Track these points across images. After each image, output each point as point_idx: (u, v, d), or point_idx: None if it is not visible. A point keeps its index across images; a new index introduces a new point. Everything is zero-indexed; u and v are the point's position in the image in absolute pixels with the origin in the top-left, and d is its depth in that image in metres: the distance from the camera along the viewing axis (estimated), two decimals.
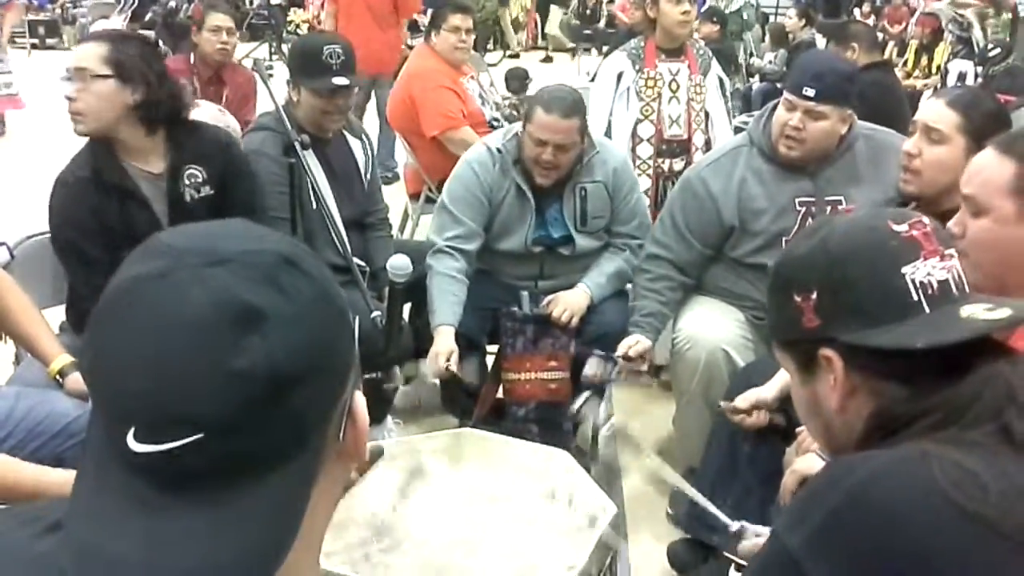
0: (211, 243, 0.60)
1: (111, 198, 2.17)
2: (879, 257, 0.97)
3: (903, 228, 0.98)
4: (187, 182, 2.26)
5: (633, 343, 2.53)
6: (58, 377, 2.01)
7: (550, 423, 2.65)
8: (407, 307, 2.78)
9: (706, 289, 2.64)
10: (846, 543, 0.86)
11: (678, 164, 3.40)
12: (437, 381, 2.86)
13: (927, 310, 0.95)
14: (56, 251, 2.22)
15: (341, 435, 0.65)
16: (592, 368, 2.59)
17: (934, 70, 8.21)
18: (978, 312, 0.95)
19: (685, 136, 3.40)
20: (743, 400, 2.09)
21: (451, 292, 2.56)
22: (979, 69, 6.84)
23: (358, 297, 2.35)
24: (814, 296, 0.99)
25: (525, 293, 2.71)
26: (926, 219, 1.00)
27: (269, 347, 0.57)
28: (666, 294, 2.60)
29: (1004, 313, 0.94)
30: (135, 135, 2.18)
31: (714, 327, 2.48)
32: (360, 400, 0.67)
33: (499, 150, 2.67)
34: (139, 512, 0.57)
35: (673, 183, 3.29)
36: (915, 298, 0.95)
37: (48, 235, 2.28)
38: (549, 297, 2.67)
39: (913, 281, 0.96)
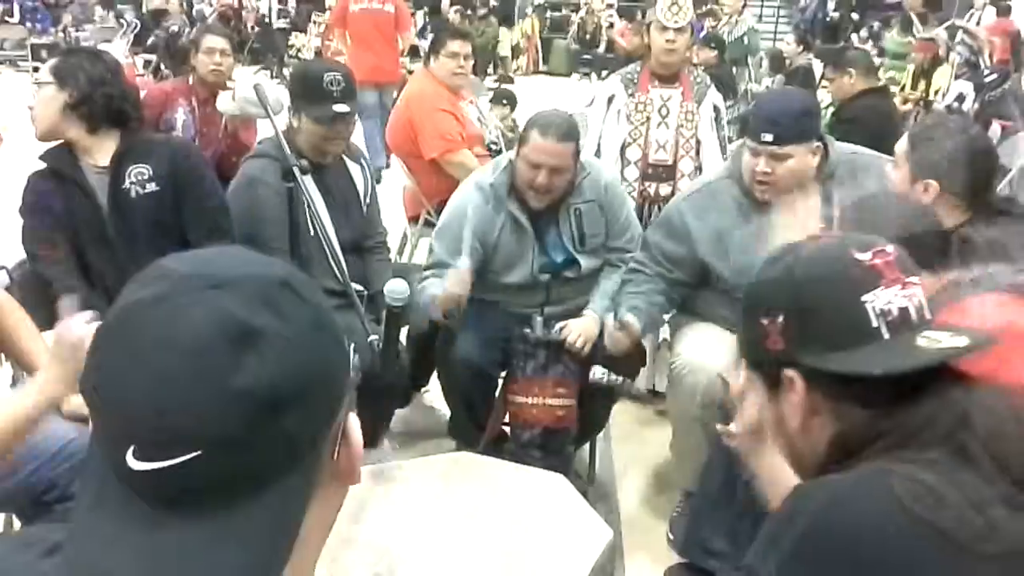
0: (210, 268, 0.63)
1: (61, 186, 2.37)
2: (841, 285, 1.01)
3: (866, 257, 1.02)
4: (132, 179, 2.38)
5: (620, 318, 2.55)
6: None
7: (553, 449, 2.64)
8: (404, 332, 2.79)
9: (702, 315, 2.66)
10: (817, 567, 0.89)
11: (664, 189, 3.42)
12: (446, 410, 2.86)
13: (886, 336, 0.99)
14: (23, 241, 2.39)
15: (335, 455, 0.66)
16: (596, 374, 2.58)
17: (932, 94, 8.26)
18: (934, 341, 0.98)
19: (671, 161, 3.42)
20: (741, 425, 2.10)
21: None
22: (975, 94, 6.89)
23: (355, 321, 2.35)
24: (780, 320, 1.02)
25: (539, 318, 2.71)
26: (889, 247, 1.04)
27: (266, 367, 0.58)
28: (651, 297, 2.64)
29: (960, 342, 0.98)
30: (79, 134, 2.35)
31: (712, 353, 2.49)
32: (354, 422, 0.68)
33: (491, 185, 2.68)
34: (136, 530, 0.58)
35: (659, 207, 3.33)
36: (875, 325, 0.99)
37: None
38: (561, 324, 2.67)
39: (873, 308, 1.00)
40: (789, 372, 1.02)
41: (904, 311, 1.00)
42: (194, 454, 0.57)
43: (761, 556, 0.94)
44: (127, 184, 2.37)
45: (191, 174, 2.47)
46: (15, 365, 2.23)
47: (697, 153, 3.42)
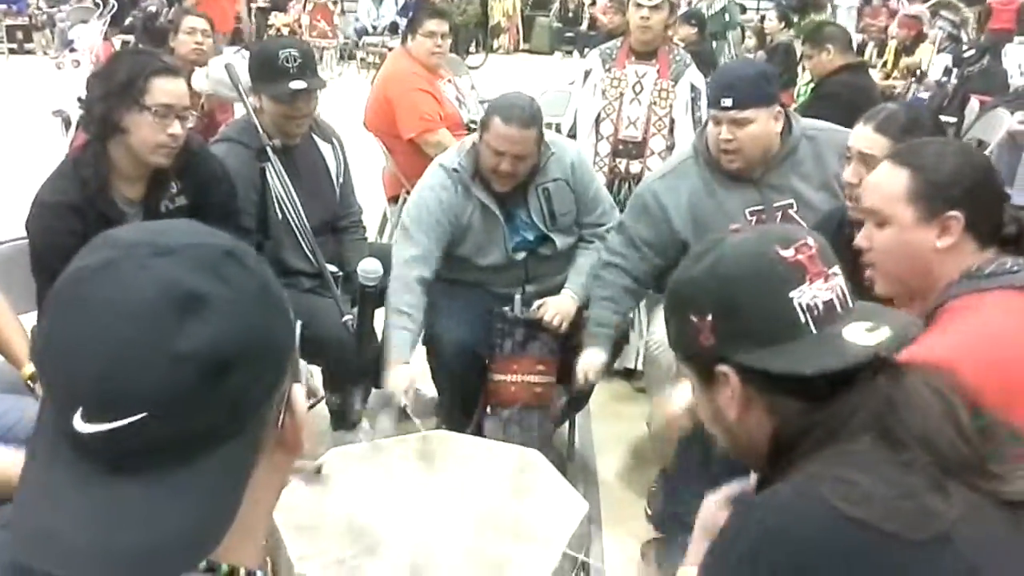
0: (156, 237, 0.64)
1: (96, 226, 2.14)
2: (766, 283, 1.02)
3: (789, 253, 1.02)
4: (165, 201, 2.27)
5: (588, 364, 2.56)
6: (30, 382, 2.01)
7: (532, 426, 2.65)
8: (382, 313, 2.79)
9: None
10: (740, 569, 0.91)
11: (635, 166, 3.42)
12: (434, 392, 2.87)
13: (813, 331, 1.00)
14: (34, 271, 2.20)
15: (280, 423, 0.68)
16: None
17: (914, 68, 8.28)
18: (860, 334, 1.00)
19: (640, 138, 3.42)
20: (682, 403, 2.10)
21: (404, 327, 2.51)
22: (955, 70, 6.91)
23: (330, 302, 2.35)
24: (709, 318, 1.03)
25: (518, 296, 2.71)
26: (811, 240, 1.05)
27: (210, 331, 0.60)
28: (621, 303, 2.64)
29: (883, 335, 1.00)
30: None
31: None
32: (299, 392, 0.70)
33: (456, 169, 2.66)
34: (83, 492, 0.59)
35: (629, 184, 3.33)
36: (802, 320, 1.01)
37: (22, 240, 2.27)
38: (539, 302, 2.68)
39: (800, 305, 1.01)
40: (722, 367, 1.03)
41: (829, 303, 1.02)
42: (140, 416, 0.58)
43: (707, 566, 0.96)
44: (159, 208, 2.25)
45: (212, 176, 2.38)
46: None
47: (671, 132, 3.42)
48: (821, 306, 1.01)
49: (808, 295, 1.01)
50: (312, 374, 2.50)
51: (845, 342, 0.99)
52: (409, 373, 2.44)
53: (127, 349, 0.59)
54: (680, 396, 1.67)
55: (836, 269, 1.04)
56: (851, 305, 1.04)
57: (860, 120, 2.06)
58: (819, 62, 4.58)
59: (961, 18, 8.34)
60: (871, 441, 0.93)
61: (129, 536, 0.58)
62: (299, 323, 1.99)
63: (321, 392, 2.75)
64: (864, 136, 2.03)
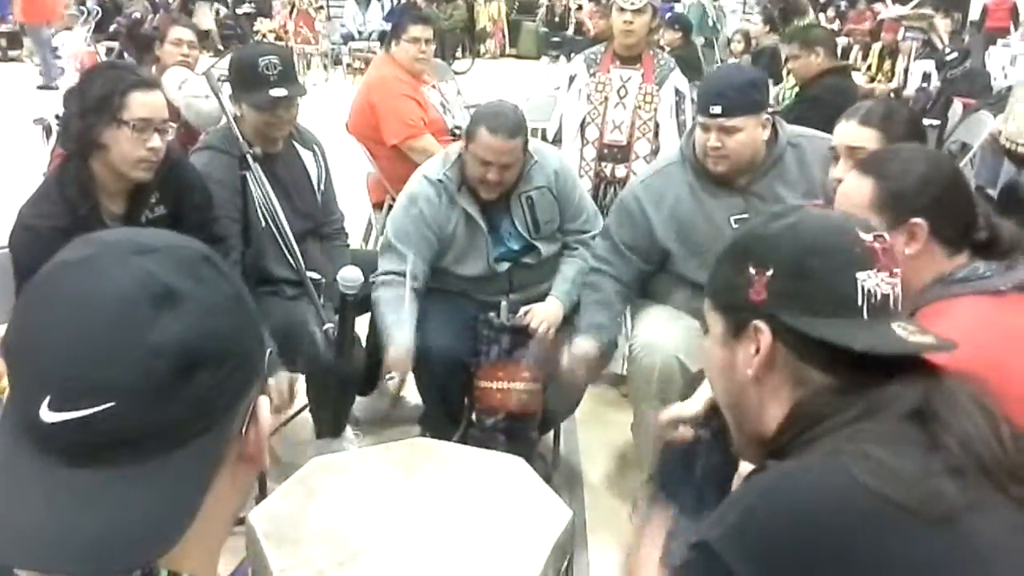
0: (137, 237, 0.66)
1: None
2: (840, 258, 1.03)
3: (868, 238, 1.04)
4: (146, 212, 2.26)
5: (577, 348, 2.55)
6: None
7: (518, 434, 2.64)
8: (366, 321, 2.78)
9: (659, 298, 2.67)
10: (761, 534, 0.91)
11: (620, 170, 3.43)
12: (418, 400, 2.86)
13: (865, 316, 1.01)
14: (17, 292, 2.17)
15: (243, 431, 0.68)
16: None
17: (896, 74, 8.34)
18: (907, 332, 1.01)
19: (625, 142, 3.43)
20: (665, 415, 2.10)
21: (400, 315, 2.53)
22: (937, 73, 6.96)
23: (311, 310, 2.34)
24: (769, 274, 1.03)
25: (504, 303, 2.71)
26: (887, 235, 1.07)
27: (183, 327, 0.61)
28: (611, 305, 2.64)
29: (930, 339, 1.02)
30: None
31: (668, 335, 2.51)
32: (265, 405, 0.71)
33: (441, 180, 2.66)
34: (43, 484, 0.60)
35: (615, 188, 3.34)
36: (859, 303, 1.01)
37: (4, 250, 2.25)
38: (525, 308, 2.68)
39: (863, 288, 1.02)
40: (760, 323, 1.03)
41: (886, 297, 1.03)
42: (107, 405, 0.59)
43: (709, 525, 0.95)
44: (140, 219, 2.24)
45: (189, 185, 2.37)
46: None
47: (655, 135, 3.42)
48: (880, 296, 1.02)
49: (873, 281, 1.02)
50: (295, 381, 2.48)
51: (895, 334, 1.01)
52: (408, 348, 2.46)
53: (99, 337, 0.59)
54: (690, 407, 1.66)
55: (899, 272, 1.06)
56: (899, 310, 1.05)
57: (841, 120, 2.09)
58: (805, 64, 4.59)
59: (929, 24, 8.39)
60: (899, 424, 0.94)
61: (86, 526, 0.58)
62: (270, 350, 1.98)
63: (304, 400, 2.74)
64: (849, 132, 2.06)
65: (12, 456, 0.61)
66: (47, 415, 0.59)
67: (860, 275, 1.01)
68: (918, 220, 1.47)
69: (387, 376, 2.52)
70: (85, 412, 0.59)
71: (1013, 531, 0.90)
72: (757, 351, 1.03)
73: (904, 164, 1.52)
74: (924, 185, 1.49)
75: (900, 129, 2.02)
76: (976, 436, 0.93)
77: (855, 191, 1.54)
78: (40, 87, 10.88)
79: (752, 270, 1.04)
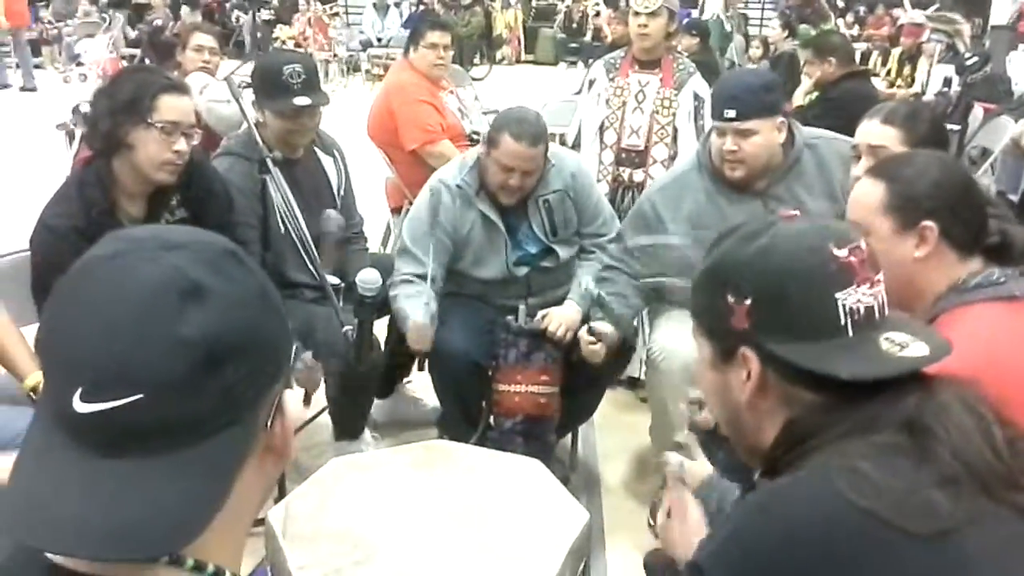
0: (164, 234, 0.67)
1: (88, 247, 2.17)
2: (816, 280, 1.01)
3: (843, 253, 1.02)
4: (165, 214, 2.28)
5: (593, 327, 2.55)
6: (32, 394, 2.02)
7: (535, 437, 2.65)
8: (384, 325, 2.79)
9: (678, 303, 2.67)
10: (750, 554, 0.91)
11: (638, 175, 3.42)
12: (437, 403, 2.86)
13: (850, 334, 1.01)
14: (35, 292, 2.19)
15: (269, 424, 0.70)
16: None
17: (916, 79, 8.29)
18: (894, 346, 1.00)
19: (642, 147, 3.42)
20: (695, 393, 2.10)
21: (417, 303, 2.54)
22: (957, 77, 6.91)
23: (331, 313, 2.35)
24: (748, 302, 1.02)
25: (522, 306, 2.72)
26: (863, 243, 1.05)
27: (211, 320, 0.63)
28: (629, 298, 2.65)
29: (920, 351, 1.00)
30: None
31: (687, 339, 2.49)
32: (291, 399, 0.73)
33: (459, 186, 2.67)
34: (74, 473, 0.61)
35: (633, 193, 3.33)
36: (842, 323, 1.01)
37: (24, 252, 2.28)
38: (543, 312, 2.68)
39: (844, 307, 1.01)
40: (747, 351, 1.03)
41: (869, 310, 1.02)
42: (137, 396, 0.60)
43: (700, 546, 0.96)
44: (162, 223, 2.24)
45: (210, 189, 2.38)
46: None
47: (674, 140, 3.41)
48: (863, 311, 1.01)
49: (853, 298, 1.01)
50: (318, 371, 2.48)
51: (881, 351, 1.00)
52: (426, 324, 2.48)
53: (129, 330, 0.61)
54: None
55: (880, 276, 1.05)
56: (887, 314, 1.04)
57: (864, 119, 2.09)
58: (822, 71, 4.58)
59: (954, 29, 8.34)
60: (891, 435, 0.93)
61: (116, 514, 0.60)
62: (296, 344, 2.00)
63: (323, 403, 2.76)
64: (871, 130, 2.06)
65: (47, 445, 0.63)
66: (79, 406, 0.61)
67: (839, 295, 1.00)
68: (928, 223, 1.47)
69: (406, 381, 2.53)
70: (115, 404, 0.60)
71: (1010, 542, 0.90)
72: (748, 377, 1.03)
73: (917, 169, 1.52)
74: (936, 189, 1.48)
75: (923, 130, 2.02)
76: (968, 445, 0.92)
77: (866, 195, 1.53)
78: (23, 88, 11.24)
79: (731, 298, 1.03)
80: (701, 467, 1.60)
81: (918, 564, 0.86)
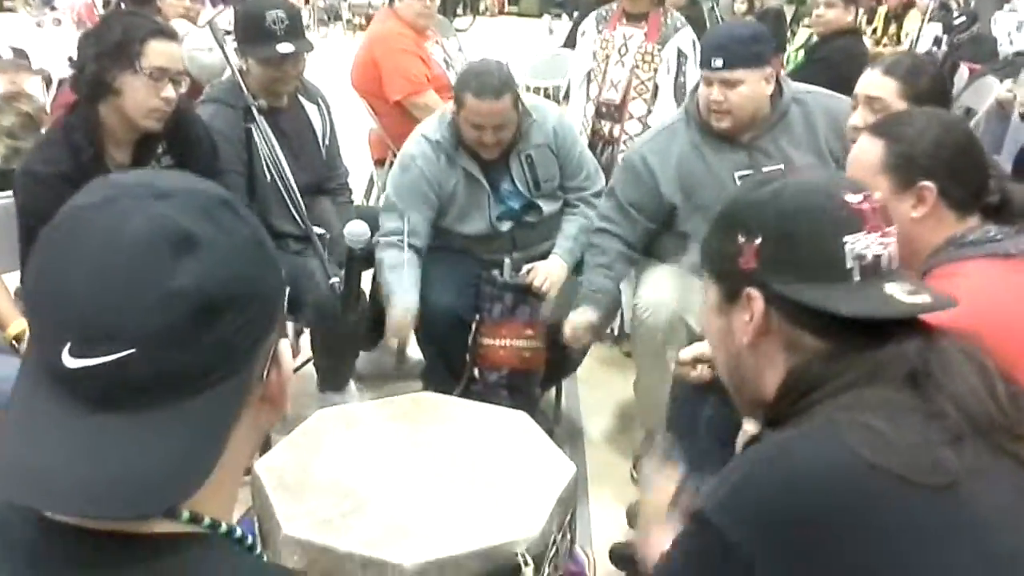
0: (154, 180, 0.65)
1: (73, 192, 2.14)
2: (826, 222, 1.02)
3: (856, 199, 1.03)
4: (151, 162, 2.24)
5: (577, 320, 2.55)
6: (14, 342, 2.00)
7: (520, 390, 2.66)
8: (370, 277, 2.78)
9: (663, 257, 2.67)
10: (756, 503, 0.91)
11: (616, 130, 3.38)
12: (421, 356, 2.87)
13: (856, 279, 1.01)
14: (22, 241, 2.15)
15: (265, 374, 0.68)
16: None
17: (902, 38, 8.24)
18: (900, 293, 1.01)
19: (619, 101, 3.36)
20: (686, 352, 2.12)
21: (402, 278, 2.54)
22: (945, 37, 6.89)
23: (316, 264, 2.33)
24: (757, 242, 1.03)
25: (507, 260, 2.71)
26: (877, 194, 1.05)
27: (203, 271, 0.60)
28: (615, 268, 2.64)
29: (924, 299, 1.01)
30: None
31: (673, 295, 2.51)
32: (285, 349, 0.71)
33: (439, 141, 2.64)
34: (66, 428, 0.60)
35: (611, 148, 3.30)
36: (848, 266, 1.01)
37: (8, 198, 2.24)
38: (528, 266, 2.68)
39: (851, 251, 1.02)
40: (752, 291, 1.04)
41: (877, 258, 1.02)
42: (129, 351, 0.59)
43: (706, 495, 0.96)
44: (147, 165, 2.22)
45: (195, 136, 2.36)
46: None
47: (654, 96, 3.34)
48: (871, 257, 1.02)
49: (862, 244, 1.02)
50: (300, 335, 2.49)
51: (886, 295, 1.01)
52: (409, 312, 2.47)
53: (119, 283, 0.59)
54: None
55: (893, 230, 1.05)
56: (896, 267, 1.05)
57: (867, 69, 2.09)
58: (829, 18, 4.45)
59: None
60: (896, 390, 0.94)
61: (110, 471, 0.58)
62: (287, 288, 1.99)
63: (308, 354, 2.75)
64: (871, 80, 2.06)
65: (35, 400, 0.61)
66: (68, 361, 0.59)
67: (848, 239, 1.01)
68: (927, 183, 1.47)
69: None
70: (106, 359, 0.58)
71: (1014, 494, 0.91)
72: (751, 318, 1.04)
73: (916, 127, 1.51)
74: (935, 148, 1.48)
75: (924, 85, 2.01)
76: (971, 397, 0.93)
77: (865, 153, 1.53)
78: None
79: (741, 238, 1.05)
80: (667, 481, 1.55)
81: (923, 514, 0.87)
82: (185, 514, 0.64)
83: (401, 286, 2.53)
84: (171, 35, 2.16)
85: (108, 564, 0.61)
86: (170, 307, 0.59)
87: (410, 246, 2.59)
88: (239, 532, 0.69)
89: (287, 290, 0.72)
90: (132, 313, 0.59)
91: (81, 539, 0.61)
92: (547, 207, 2.76)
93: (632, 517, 2.45)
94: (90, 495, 0.58)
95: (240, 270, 0.63)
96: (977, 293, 1.36)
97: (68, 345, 0.59)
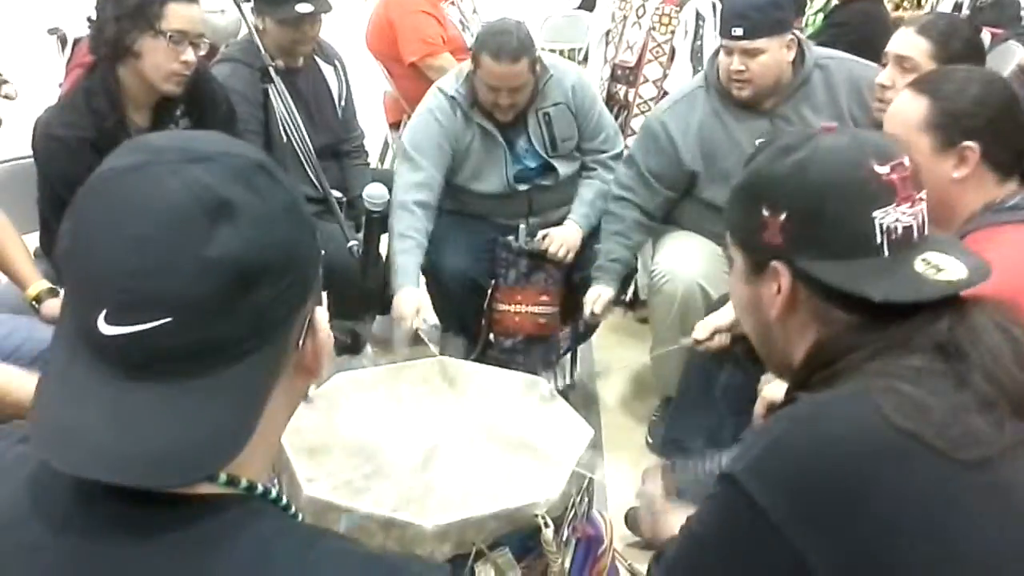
0: (188, 143, 0.64)
1: (98, 159, 2.14)
2: (854, 198, 0.98)
3: (885, 170, 0.99)
4: (170, 124, 2.24)
5: (595, 298, 2.55)
6: (35, 303, 2.00)
7: (535, 356, 2.66)
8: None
9: (682, 224, 2.66)
10: (785, 466, 0.90)
11: (631, 94, 3.34)
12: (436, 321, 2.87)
13: (885, 253, 0.98)
14: (44, 205, 2.17)
15: (301, 342, 0.68)
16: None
17: (923, 2, 8.11)
18: (930, 268, 0.98)
19: (633, 63, 3.32)
20: (701, 329, 2.11)
21: (410, 252, 2.51)
22: (966, 0, 6.76)
23: (335, 227, 2.33)
24: (783, 217, 1.00)
25: (523, 226, 2.70)
26: (907, 160, 1.01)
27: (240, 240, 0.60)
28: (632, 237, 2.63)
29: (957, 274, 0.98)
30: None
31: (691, 261, 2.50)
32: (322, 316, 0.70)
33: (454, 96, 2.62)
34: (106, 395, 0.59)
35: (627, 112, 3.27)
36: (878, 241, 0.98)
37: (23, 159, 2.24)
38: (543, 232, 2.67)
39: (881, 226, 0.98)
40: (779, 265, 1.01)
41: (908, 230, 0.99)
42: (165, 320, 0.58)
43: (735, 458, 0.95)
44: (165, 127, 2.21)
45: (213, 99, 2.34)
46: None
47: (670, 60, 3.29)
48: (901, 231, 0.99)
49: (892, 217, 0.98)
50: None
51: (917, 274, 0.98)
52: (417, 297, 2.44)
53: (155, 251, 0.58)
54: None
55: (923, 195, 1.01)
56: (926, 233, 1.02)
57: (901, 28, 2.07)
58: None
59: None
60: (926, 359, 0.92)
61: (147, 439, 0.58)
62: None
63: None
64: (904, 39, 2.05)
65: (71, 365, 0.61)
66: (104, 328, 0.58)
67: (877, 213, 0.97)
68: (970, 143, 1.44)
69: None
70: (142, 327, 0.58)
71: None
72: (779, 290, 1.02)
73: (959, 84, 1.48)
74: (979, 107, 1.45)
75: (956, 47, 1.98)
76: (1000, 368, 0.92)
77: (907, 109, 1.50)
78: None
79: (766, 212, 1.01)
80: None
81: (954, 486, 0.87)
82: (223, 477, 0.64)
83: (405, 271, 2.48)
84: None
85: (147, 527, 0.61)
86: (207, 276, 0.58)
87: (423, 203, 2.56)
88: (274, 493, 0.69)
89: (322, 255, 0.71)
90: (169, 282, 0.58)
91: (119, 501, 0.61)
92: (563, 169, 2.73)
93: (632, 522, 2.42)
94: (130, 465, 0.58)
95: (277, 237, 0.62)
96: (1013, 260, 1.35)
97: (104, 312, 0.58)
